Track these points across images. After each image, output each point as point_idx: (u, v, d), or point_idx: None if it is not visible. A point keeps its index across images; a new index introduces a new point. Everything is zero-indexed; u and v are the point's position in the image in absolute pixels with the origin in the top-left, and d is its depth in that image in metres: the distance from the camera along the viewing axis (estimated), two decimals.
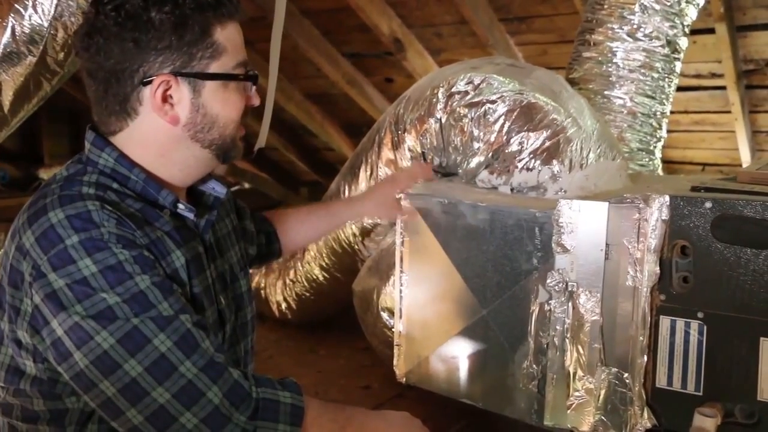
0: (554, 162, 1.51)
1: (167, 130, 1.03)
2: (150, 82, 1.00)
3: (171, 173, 1.07)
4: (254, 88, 1.11)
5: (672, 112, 2.40)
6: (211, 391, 0.94)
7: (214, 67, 1.03)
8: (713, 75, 3.09)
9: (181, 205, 1.07)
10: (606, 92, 2.19)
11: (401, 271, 1.58)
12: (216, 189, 1.17)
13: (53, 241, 0.92)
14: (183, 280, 1.03)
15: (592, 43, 2.21)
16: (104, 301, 0.92)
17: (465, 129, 1.61)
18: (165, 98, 1.01)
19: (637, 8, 2.14)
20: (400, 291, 1.58)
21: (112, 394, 0.92)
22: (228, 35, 1.04)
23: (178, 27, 0.99)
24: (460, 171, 1.67)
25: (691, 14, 2.22)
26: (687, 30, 2.23)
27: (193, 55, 1.01)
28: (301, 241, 1.61)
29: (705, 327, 1.20)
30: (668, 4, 2.14)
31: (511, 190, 1.55)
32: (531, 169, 1.52)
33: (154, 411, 0.92)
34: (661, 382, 1.25)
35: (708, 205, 1.19)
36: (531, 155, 1.53)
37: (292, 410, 1.00)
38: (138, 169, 1.04)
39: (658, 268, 1.23)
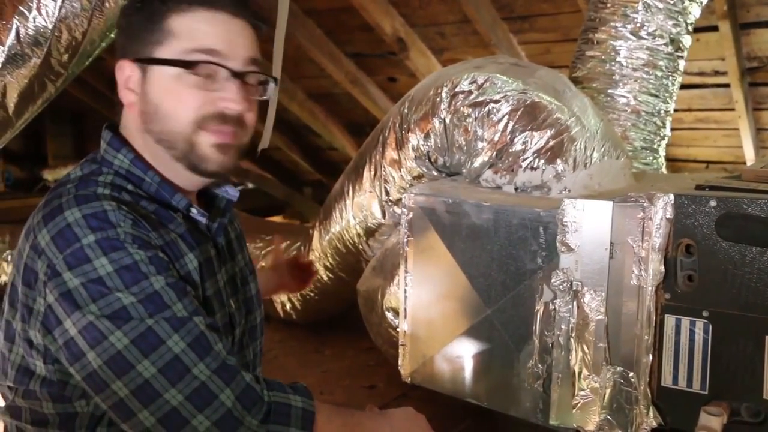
0: (558, 161, 1.51)
1: (132, 117, 1.06)
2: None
3: (162, 172, 1.07)
4: (237, 90, 1.02)
5: (676, 110, 2.40)
6: (224, 394, 0.94)
7: (159, 52, 1.01)
8: (717, 73, 3.09)
9: (193, 210, 1.07)
10: (609, 91, 2.18)
11: (406, 271, 1.57)
12: (229, 192, 1.18)
13: (69, 240, 0.92)
14: (196, 282, 1.03)
15: (595, 42, 2.21)
16: (119, 301, 0.91)
17: (469, 128, 1.61)
18: (126, 82, 1.04)
19: (640, 6, 2.14)
20: (405, 291, 1.58)
21: (125, 395, 0.91)
22: (189, 23, 1.01)
23: (133, 12, 1.03)
24: (464, 170, 1.67)
25: (695, 12, 2.21)
26: (690, 28, 2.23)
27: (143, 40, 1.02)
28: None
29: (710, 326, 1.20)
30: (671, 2, 2.14)
31: (515, 189, 1.55)
32: (535, 169, 1.52)
33: (166, 413, 0.92)
34: (667, 380, 1.25)
35: (712, 203, 1.19)
36: (535, 154, 1.52)
37: (304, 414, 1.00)
38: (152, 171, 1.05)
39: (662, 266, 1.23)
